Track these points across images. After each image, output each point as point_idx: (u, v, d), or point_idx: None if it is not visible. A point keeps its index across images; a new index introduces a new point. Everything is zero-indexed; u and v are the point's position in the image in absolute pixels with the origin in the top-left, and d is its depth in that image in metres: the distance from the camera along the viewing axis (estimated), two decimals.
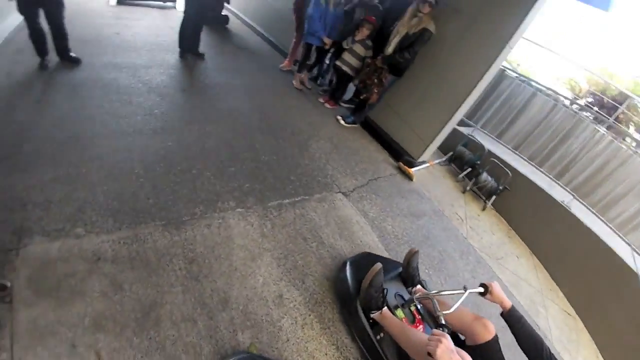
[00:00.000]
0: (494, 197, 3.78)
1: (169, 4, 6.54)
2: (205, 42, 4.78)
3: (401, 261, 2.14)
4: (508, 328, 1.51)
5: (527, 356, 1.42)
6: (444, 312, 1.52)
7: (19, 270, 1.73)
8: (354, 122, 4.14)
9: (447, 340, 1.21)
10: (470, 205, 3.75)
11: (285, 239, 2.35)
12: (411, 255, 2.06)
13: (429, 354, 1.21)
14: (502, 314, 1.53)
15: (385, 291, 1.82)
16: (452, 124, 3.54)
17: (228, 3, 6.51)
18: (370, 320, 1.78)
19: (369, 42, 3.88)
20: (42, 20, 3.25)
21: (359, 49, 3.89)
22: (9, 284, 1.65)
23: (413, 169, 3.50)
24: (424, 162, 3.79)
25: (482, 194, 3.87)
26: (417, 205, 3.11)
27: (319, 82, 5.00)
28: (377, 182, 3.23)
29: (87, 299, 1.71)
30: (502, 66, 4.33)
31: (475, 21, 3.24)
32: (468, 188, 3.86)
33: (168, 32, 4.98)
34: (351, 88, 4.48)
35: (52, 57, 3.53)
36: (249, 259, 2.13)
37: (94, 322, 1.62)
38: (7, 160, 2.29)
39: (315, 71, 4.99)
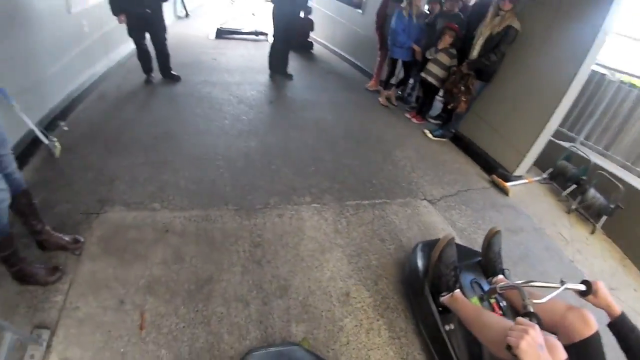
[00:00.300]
0: (604, 218, 3.24)
1: (261, 37, 7.97)
2: (293, 65, 5.60)
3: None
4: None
5: None
6: (534, 302, 1.21)
7: (94, 230, 2.13)
8: (442, 136, 4.20)
9: (535, 332, 1.02)
10: (577, 228, 3.34)
11: (360, 237, 2.33)
12: (491, 236, 1.90)
13: (509, 348, 1.02)
14: (609, 324, 1.27)
15: (457, 269, 1.69)
16: (547, 133, 3.48)
17: (312, 30, 7.67)
18: (440, 309, 1.63)
19: (453, 51, 4.05)
20: (148, 43, 4.35)
21: (443, 58, 4.07)
22: (82, 239, 2.01)
23: (509, 184, 3.44)
24: (520, 178, 3.68)
25: (589, 214, 3.42)
26: (513, 220, 3.01)
27: (405, 100, 5.20)
28: (467, 193, 3.21)
29: (147, 263, 1.94)
30: (598, 65, 3.92)
31: (559, 12, 3.17)
32: (573, 207, 3.44)
33: (259, 59, 5.98)
34: (438, 106, 4.62)
35: (156, 75, 4.64)
36: (318, 252, 2.15)
37: (148, 285, 1.83)
38: (106, 145, 3.02)
39: (401, 89, 5.21)
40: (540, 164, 3.89)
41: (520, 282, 1.33)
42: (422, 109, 4.61)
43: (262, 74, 5.31)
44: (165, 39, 4.40)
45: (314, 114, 4.13)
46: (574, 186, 3.62)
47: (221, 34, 7.91)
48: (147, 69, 4.53)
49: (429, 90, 4.41)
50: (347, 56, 7.25)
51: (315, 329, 1.71)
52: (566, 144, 4.14)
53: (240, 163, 2.97)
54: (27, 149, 2.69)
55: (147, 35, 4.29)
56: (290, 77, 5.34)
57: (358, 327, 1.75)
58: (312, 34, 7.79)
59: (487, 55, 3.53)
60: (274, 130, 3.60)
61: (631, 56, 4.38)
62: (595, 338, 1.27)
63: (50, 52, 3.54)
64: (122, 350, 1.53)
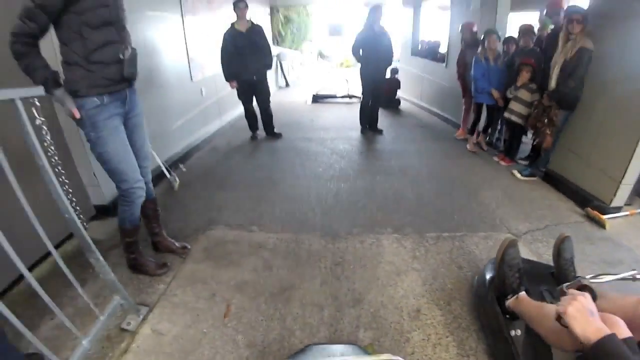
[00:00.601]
0: None
1: (354, 99, 8.87)
2: (382, 121, 6.16)
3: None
4: None
5: None
6: (594, 281, 1.18)
7: (200, 242, 2.67)
8: (532, 175, 4.09)
9: (586, 299, 1.04)
10: None
11: (437, 263, 2.41)
12: (560, 242, 1.85)
13: (559, 318, 1.05)
14: None
15: (522, 272, 1.72)
16: None
17: (399, 88, 8.60)
18: (507, 316, 1.63)
19: (533, 86, 4.08)
20: (254, 106, 5.31)
21: (523, 94, 4.15)
22: (189, 247, 2.55)
23: (606, 216, 3.23)
24: (620, 209, 3.43)
25: None
26: (611, 253, 2.79)
27: (495, 144, 5.22)
28: (557, 227, 3.09)
29: (240, 269, 2.36)
30: None
31: (630, 25, 3.11)
32: None
33: (352, 118, 6.63)
34: (528, 146, 4.59)
35: (261, 133, 5.56)
36: (394, 273, 2.30)
37: (237, 285, 2.21)
38: (216, 183, 3.79)
39: (489, 134, 5.27)
40: None
41: (588, 276, 1.36)
42: (510, 150, 4.61)
43: (354, 131, 5.90)
44: (269, 102, 5.32)
45: (400, 162, 4.43)
46: None
47: (317, 99, 9.11)
48: (253, 127, 5.49)
49: (515, 130, 4.48)
50: (434, 110, 7.69)
51: (382, 337, 1.82)
52: None
53: (329, 200, 3.37)
54: (154, 179, 3.50)
55: (254, 99, 5.25)
56: (380, 132, 5.83)
57: (425, 341, 1.82)
58: (399, 92, 8.73)
59: (565, 82, 3.55)
60: (362, 176, 3.98)
61: None
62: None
63: (176, 111, 4.63)
64: (204, 330, 1.86)
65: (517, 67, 4.23)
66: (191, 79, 5.16)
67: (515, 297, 1.64)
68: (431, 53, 8.74)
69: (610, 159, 3.44)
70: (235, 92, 5.21)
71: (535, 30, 4.70)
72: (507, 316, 1.64)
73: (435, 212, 3.15)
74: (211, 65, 5.76)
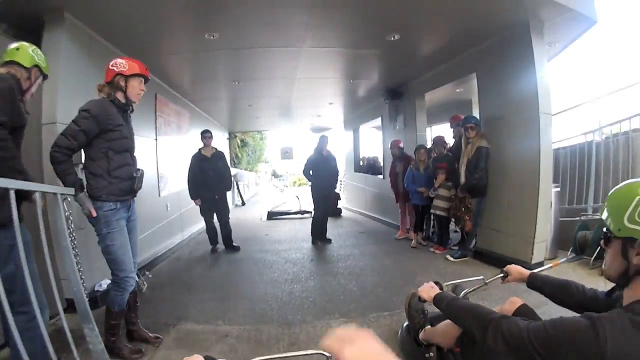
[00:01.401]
0: None
1: (306, 214, 9.87)
2: (330, 231, 6.94)
3: None
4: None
5: (566, 306, 1.63)
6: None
7: (171, 333, 3.06)
8: (463, 256, 4.97)
9: (429, 283, 1.86)
10: None
11: (379, 335, 2.93)
12: (409, 298, 2.45)
13: (419, 298, 1.86)
14: (527, 285, 1.88)
15: (426, 311, 2.33)
16: (543, 209, 4.28)
17: (340, 200, 10.20)
18: (428, 356, 2.16)
19: (450, 184, 5.30)
20: (215, 221, 6.00)
21: (443, 192, 5.37)
22: (161, 337, 2.93)
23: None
24: (542, 264, 4.21)
25: None
26: (536, 299, 3.30)
27: (431, 238, 6.21)
28: (485, 291, 3.60)
29: (209, 352, 2.73)
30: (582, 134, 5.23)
31: (510, 122, 4.52)
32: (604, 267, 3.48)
33: (305, 231, 7.46)
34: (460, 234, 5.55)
35: (220, 246, 6.13)
36: None
37: None
38: (183, 287, 4.26)
39: (425, 229, 6.29)
40: (566, 246, 4.60)
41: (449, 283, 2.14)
42: (441, 240, 5.61)
43: (306, 242, 6.63)
44: (228, 217, 6.05)
45: (346, 264, 5.09)
46: (598, 248, 3.93)
47: (272, 215, 9.96)
48: (213, 241, 6.08)
49: (442, 222, 5.55)
50: (377, 216, 9.01)
51: None
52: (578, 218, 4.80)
53: (284, 298, 3.87)
54: None
55: (214, 216, 5.96)
56: (329, 241, 6.58)
57: None
58: (340, 203, 10.60)
59: (472, 176, 4.66)
60: (313, 277, 4.56)
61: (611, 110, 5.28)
62: (523, 306, 1.80)
63: (144, 223, 5.11)
64: None
65: (434, 172, 5.41)
66: (159, 194, 5.83)
67: (423, 330, 2.27)
68: (371, 168, 10.37)
69: (521, 225, 4.40)
70: (197, 208, 5.94)
71: (450, 138, 6.12)
72: (423, 346, 2.22)
73: (376, 298, 3.74)
74: (176, 182, 6.51)
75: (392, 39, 4.63)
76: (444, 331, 1.98)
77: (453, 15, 4.07)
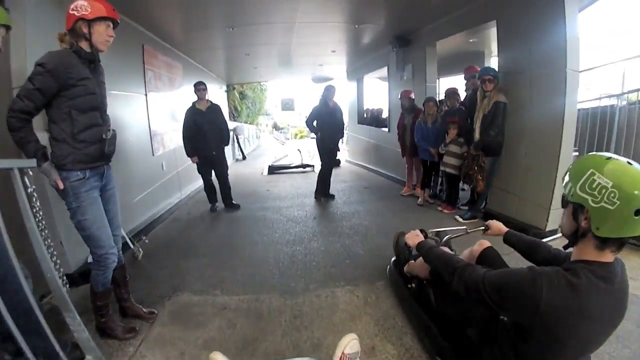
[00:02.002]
0: None
1: (308, 169, 9.72)
2: (333, 186, 6.64)
3: None
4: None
5: (534, 262, 1.76)
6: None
7: (166, 307, 2.86)
8: (472, 217, 4.71)
9: (416, 231, 2.17)
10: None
11: (387, 307, 2.75)
12: (396, 237, 3.02)
13: (406, 244, 2.23)
14: (504, 241, 2.06)
15: (410, 248, 2.38)
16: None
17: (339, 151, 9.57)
18: (410, 285, 2.64)
19: (461, 140, 4.94)
20: (213, 179, 5.70)
21: (454, 148, 5.01)
22: (156, 312, 2.74)
23: (543, 240, 3.75)
24: (556, 232, 4.04)
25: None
26: None
27: (438, 196, 6.00)
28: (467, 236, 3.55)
29: (206, 329, 2.57)
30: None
31: (532, 77, 4.10)
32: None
33: (306, 187, 7.28)
34: (469, 193, 5.31)
35: (220, 205, 5.88)
36: (349, 319, 2.62)
37: (204, 343, 2.41)
38: (179, 253, 4.03)
39: (432, 187, 6.07)
40: None
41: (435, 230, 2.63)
42: (450, 199, 5.34)
43: (308, 198, 6.42)
44: (227, 175, 5.74)
45: (351, 223, 4.89)
46: None
47: (273, 170, 9.75)
48: (212, 199, 5.81)
49: (451, 180, 5.24)
50: (381, 171, 8.71)
51: None
52: None
53: (286, 262, 3.68)
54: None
55: (213, 173, 5.65)
56: (332, 197, 6.34)
57: None
58: (342, 156, 10.46)
59: (487, 132, 4.30)
60: (316, 238, 4.35)
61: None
62: (490, 248, 2.05)
63: (138, 184, 4.91)
64: None
65: (445, 126, 5.00)
66: (153, 154, 5.51)
67: (407, 264, 2.67)
68: (375, 120, 9.93)
69: (537, 189, 4.13)
70: (194, 166, 5.61)
71: (462, 91, 5.66)
72: (407, 278, 2.67)
73: (384, 262, 3.50)
74: (171, 139, 6.17)
75: None
76: (421, 264, 2.36)
77: None
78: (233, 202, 5.87)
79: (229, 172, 5.81)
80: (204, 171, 5.64)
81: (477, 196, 4.83)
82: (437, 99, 6.25)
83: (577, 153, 4.46)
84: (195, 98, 5.45)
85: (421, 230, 2.22)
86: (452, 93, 5.53)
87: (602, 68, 5.25)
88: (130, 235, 3.99)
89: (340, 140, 6.58)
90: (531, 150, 4.20)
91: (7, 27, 1.98)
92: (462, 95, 5.72)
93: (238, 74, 12.45)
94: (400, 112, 6.47)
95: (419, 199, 5.85)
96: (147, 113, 5.40)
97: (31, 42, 2.87)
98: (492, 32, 5.27)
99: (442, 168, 5.22)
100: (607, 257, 1.30)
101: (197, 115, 5.33)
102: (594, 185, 1.23)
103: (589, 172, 1.25)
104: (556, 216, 3.99)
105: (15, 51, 2.77)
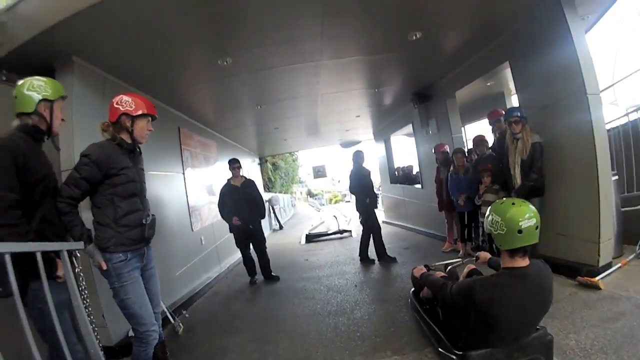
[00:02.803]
0: None
1: (346, 234, 9.58)
2: (370, 250, 6.46)
3: None
4: None
5: None
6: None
7: None
8: None
9: (421, 267, 3.15)
10: None
11: None
12: (412, 273, 3.34)
13: (415, 277, 3.13)
14: (488, 265, 2.76)
15: (416, 278, 3.17)
16: (607, 205, 3.78)
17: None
18: (425, 307, 3.19)
19: (496, 187, 4.69)
20: (252, 252, 5.74)
21: (490, 197, 4.71)
22: None
23: (598, 277, 3.57)
24: (610, 266, 3.79)
25: None
26: (610, 309, 3.10)
27: (481, 247, 5.53)
28: (552, 307, 3.16)
29: None
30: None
31: (555, 109, 4.07)
32: None
33: (345, 253, 7.17)
34: None
35: (259, 277, 5.84)
36: None
37: None
38: (221, 327, 3.98)
39: (474, 238, 5.72)
40: (632, 240, 4.12)
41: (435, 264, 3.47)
42: (493, 251, 4.90)
43: (348, 265, 6.24)
44: (265, 247, 5.74)
45: (394, 287, 4.67)
46: None
47: (310, 238, 9.72)
48: (251, 272, 5.79)
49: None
50: (419, 228, 8.54)
51: None
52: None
53: (329, 334, 3.50)
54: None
55: (251, 246, 5.69)
56: (393, 259, 6.07)
57: None
58: (385, 217, 10.85)
59: (529, 177, 4.09)
60: (359, 307, 4.14)
61: None
62: (473, 270, 2.81)
63: (178, 259, 5.03)
64: None
65: (478, 175, 4.89)
66: (192, 229, 5.68)
67: (422, 291, 3.27)
68: (408, 178, 9.96)
69: (583, 225, 3.88)
70: (232, 239, 5.68)
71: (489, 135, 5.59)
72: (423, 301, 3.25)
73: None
74: (209, 214, 6.37)
75: (414, 38, 4.32)
76: (427, 289, 3.04)
77: (475, 1, 3.73)
78: (272, 274, 5.79)
79: (266, 243, 5.84)
80: (242, 245, 5.68)
81: None
82: (466, 148, 6.23)
83: (616, 177, 4.18)
84: (230, 175, 5.67)
85: (425, 265, 3.24)
86: (479, 141, 5.49)
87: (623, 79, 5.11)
88: (171, 310, 4.03)
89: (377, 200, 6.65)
90: (569, 184, 4.02)
91: (65, 98, 2.24)
92: (490, 140, 5.66)
93: (269, 146, 13.04)
94: (432, 166, 6.46)
95: (460, 253, 5.61)
96: (185, 190, 5.69)
97: (78, 128, 3.21)
98: (508, 73, 5.35)
99: (481, 219, 5.03)
100: (519, 262, 2.06)
101: (233, 191, 5.51)
102: (490, 220, 2.09)
103: (489, 213, 2.11)
104: (607, 248, 3.77)
105: (63, 136, 2.96)
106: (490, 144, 5.49)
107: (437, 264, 3.49)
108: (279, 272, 5.93)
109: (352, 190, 6.35)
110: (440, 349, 2.61)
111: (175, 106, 5.63)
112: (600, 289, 3.45)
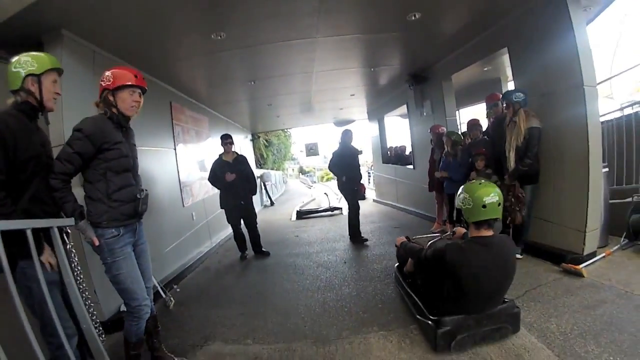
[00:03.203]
0: None
1: (337, 212, 9.70)
2: (363, 227, 6.58)
3: None
4: None
5: None
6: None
7: (197, 357, 2.88)
8: (523, 251, 4.41)
9: (402, 237, 3.52)
10: None
11: (422, 351, 2.63)
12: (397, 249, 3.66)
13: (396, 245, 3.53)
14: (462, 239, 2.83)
15: (397, 245, 3.55)
16: (595, 196, 3.86)
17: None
18: (408, 280, 3.47)
19: (489, 171, 4.68)
20: (242, 228, 5.77)
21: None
22: None
23: (582, 265, 3.65)
24: (594, 255, 3.89)
25: None
26: (591, 296, 3.19)
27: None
28: (535, 290, 3.42)
29: None
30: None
31: (550, 98, 4.08)
32: None
33: (335, 230, 7.28)
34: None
35: (250, 252, 5.93)
36: None
37: None
38: (210, 302, 4.05)
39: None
40: (618, 231, 4.21)
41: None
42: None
43: (337, 242, 6.36)
44: (256, 223, 5.78)
45: (382, 265, 4.78)
46: None
47: (301, 215, 9.80)
48: (242, 248, 5.84)
49: None
50: (410, 208, 8.65)
51: None
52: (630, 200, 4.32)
53: (318, 309, 3.60)
54: None
55: (242, 222, 5.71)
56: (364, 240, 6.21)
57: None
58: (376, 196, 11.23)
59: (523, 161, 4.02)
60: (347, 283, 4.25)
61: None
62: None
63: (170, 235, 5.06)
64: None
65: (472, 159, 4.89)
66: (183, 205, 5.69)
67: (405, 266, 3.56)
68: (400, 158, 10.02)
69: (571, 214, 3.99)
70: (224, 215, 5.70)
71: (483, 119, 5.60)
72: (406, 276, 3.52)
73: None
74: (200, 190, 6.38)
75: (413, 18, 4.25)
76: (410, 263, 3.43)
77: None
78: (263, 249, 5.88)
79: (257, 219, 5.89)
80: (233, 221, 5.69)
81: (516, 229, 4.46)
82: (460, 132, 6.26)
83: (607, 169, 4.23)
84: (219, 149, 5.65)
85: (406, 237, 3.57)
86: (473, 125, 5.49)
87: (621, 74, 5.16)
88: (162, 285, 4.09)
89: (360, 180, 6.63)
90: (560, 173, 4.09)
91: (59, 71, 2.20)
92: (484, 124, 5.67)
93: (262, 123, 12.91)
94: (425, 147, 6.50)
95: (448, 233, 5.70)
96: (177, 166, 5.66)
97: (67, 104, 3.13)
98: (506, 59, 5.36)
99: None
100: (484, 233, 2.48)
101: (225, 166, 5.49)
102: (461, 197, 2.53)
103: (460, 191, 2.57)
104: (592, 238, 3.88)
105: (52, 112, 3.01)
106: (484, 128, 5.51)
107: (417, 237, 3.99)
108: (270, 248, 6.02)
109: (330, 168, 6.39)
110: (418, 316, 2.92)
111: (167, 81, 5.53)
112: (583, 276, 3.53)
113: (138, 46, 4.02)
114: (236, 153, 5.73)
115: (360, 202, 6.42)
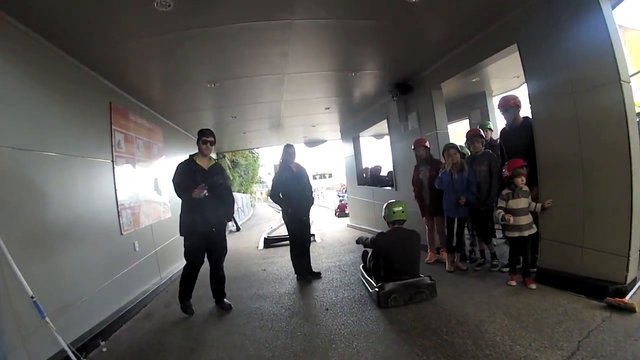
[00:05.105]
0: None
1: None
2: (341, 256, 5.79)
3: None
4: None
5: None
6: None
7: None
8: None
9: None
10: None
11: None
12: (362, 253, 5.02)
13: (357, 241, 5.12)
14: None
15: (370, 254, 4.62)
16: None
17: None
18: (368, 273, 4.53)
19: (526, 188, 3.86)
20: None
21: (523, 202, 3.85)
22: None
23: (628, 297, 3.06)
24: (635, 283, 3.23)
25: None
26: None
27: (472, 258, 4.97)
28: (589, 339, 2.67)
29: None
30: None
31: (576, 98, 3.40)
32: None
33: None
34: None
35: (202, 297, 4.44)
36: None
37: None
38: None
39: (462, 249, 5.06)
40: None
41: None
42: (519, 266, 4.01)
43: (316, 279, 5.18)
44: (223, 261, 4.27)
45: (374, 314, 3.61)
46: None
47: (269, 243, 8.78)
48: (187, 294, 4.12)
49: (520, 245, 3.93)
50: None
51: None
52: None
53: None
54: None
55: (205, 259, 4.15)
56: (318, 275, 5.24)
57: None
58: (351, 221, 10.80)
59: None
60: (336, 345, 3.03)
61: None
62: None
63: (100, 271, 3.78)
64: None
65: (507, 178, 3.98)
66: (121, 232, 4.41)
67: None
68: (377, 180, 9.21)
69: (607, 235, 3.28)
70: (177, 244, 4.30)
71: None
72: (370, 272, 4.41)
73: None
74: (148, 216, 5.14)
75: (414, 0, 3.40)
76: (367, 258, 4.58)
77: None
78: (225, 300, 4.26)
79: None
80: (194, 255, 4.03)
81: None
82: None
83: None
84: (195, 150, 4.18)
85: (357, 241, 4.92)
86: (474, 136, 4.74)
87: None
88: (83, 341, 3.07)
89: (311, 208, 5.48)
90: (591, 189, 3.36)
91: None
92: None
93: (227, 140, 11.76)
94: (408, 166, 5.72)
95: (446, 265, 4.84)
96: (114, 183, 4.40)
97: None
98: (491, 70, 5.43)
99: (509, 235, 3.96)
100: (397, 226, 4.16)
101: (197, 173, 3.95)
102: (384, 208, 4.29)
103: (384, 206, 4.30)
104: (635, 263, 3.19)
105: None
106: (488, 139, 4.78)
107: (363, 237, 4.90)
108: (232, 285, 4.80)
109: (272, 198, 5.26)
110: (369, 290, 4.18)
111: (106, 74, 4.34)
112: (635, 311, 2.89)
113: (66, 24, 3.00)
114: (214, 160, 4.32)
115: (338, 220, 5.46)
